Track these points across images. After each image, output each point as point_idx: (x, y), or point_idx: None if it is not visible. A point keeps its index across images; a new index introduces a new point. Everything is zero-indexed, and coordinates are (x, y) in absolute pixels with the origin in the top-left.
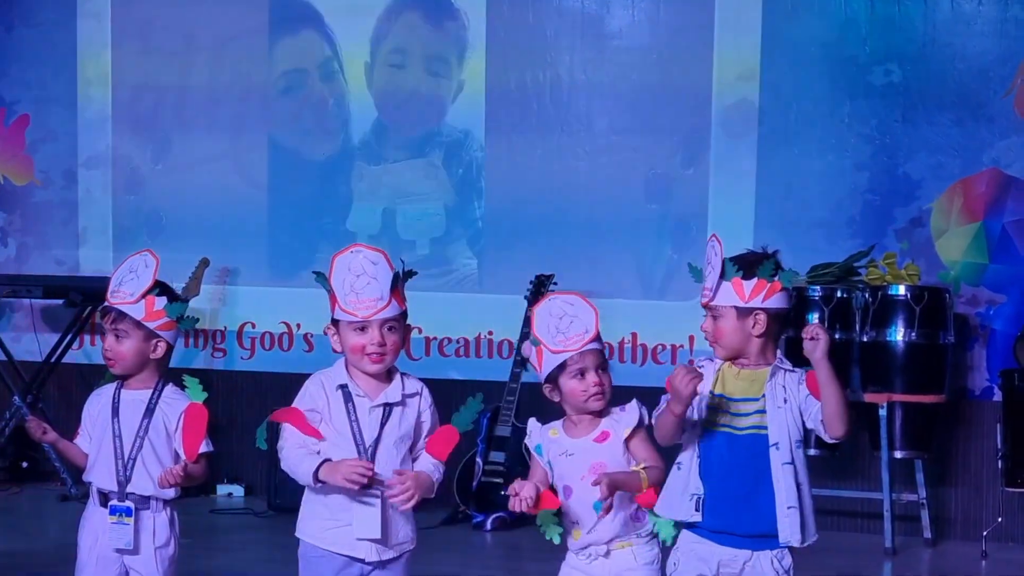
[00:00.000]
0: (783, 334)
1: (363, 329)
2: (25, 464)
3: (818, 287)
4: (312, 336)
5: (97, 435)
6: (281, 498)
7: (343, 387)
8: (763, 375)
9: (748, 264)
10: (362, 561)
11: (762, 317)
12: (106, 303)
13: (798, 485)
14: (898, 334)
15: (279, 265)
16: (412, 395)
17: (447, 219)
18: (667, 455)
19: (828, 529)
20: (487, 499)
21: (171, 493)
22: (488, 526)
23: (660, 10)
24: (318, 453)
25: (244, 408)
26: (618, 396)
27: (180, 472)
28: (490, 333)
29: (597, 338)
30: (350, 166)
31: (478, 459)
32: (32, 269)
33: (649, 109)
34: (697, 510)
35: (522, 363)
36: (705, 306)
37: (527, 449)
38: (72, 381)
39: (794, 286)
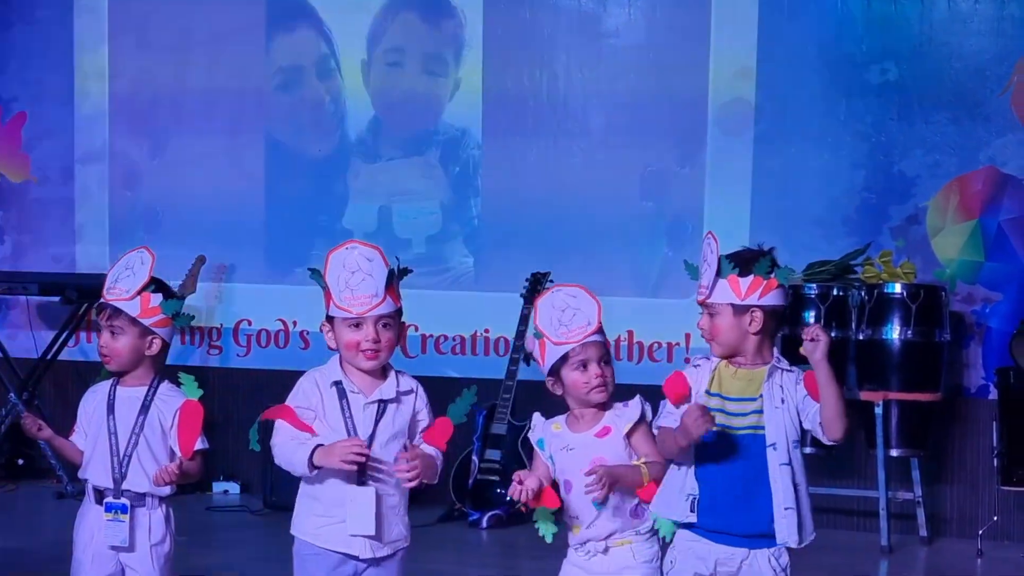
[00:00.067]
0: (779, 332)
1: (358, 326)
2: (21, 461)
3: (814, 285)
4: (308, 333)
5: (93, 432)
6: (277, 495)
7: (337, 384)
8: (760, 375)
9: (744, 261)
10: (356, 558)
11: (759, 314)
12: (102, 300)
13: (795, 485)
14: (894, 332)
15: (275, 262)
16: (407, 392)
17: (443, 217)
18: None
19: (824, 527)
20: (483, 497)
21: (167, 490)
22: (484, 524)
23: (656, 9)
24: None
25: (240, 405)
26: (615, 394)
27: (175, 470)
28: (486, 331)
29: (599, 331)
30: (347, 164)
31: (474, 457)
32: (28, 266)
33: (645, 107)
34: (692, 511)
35: (518, 361)
36: (701, 304)
37: (523, 445)
38: (68, 378)
39: (790, 284)
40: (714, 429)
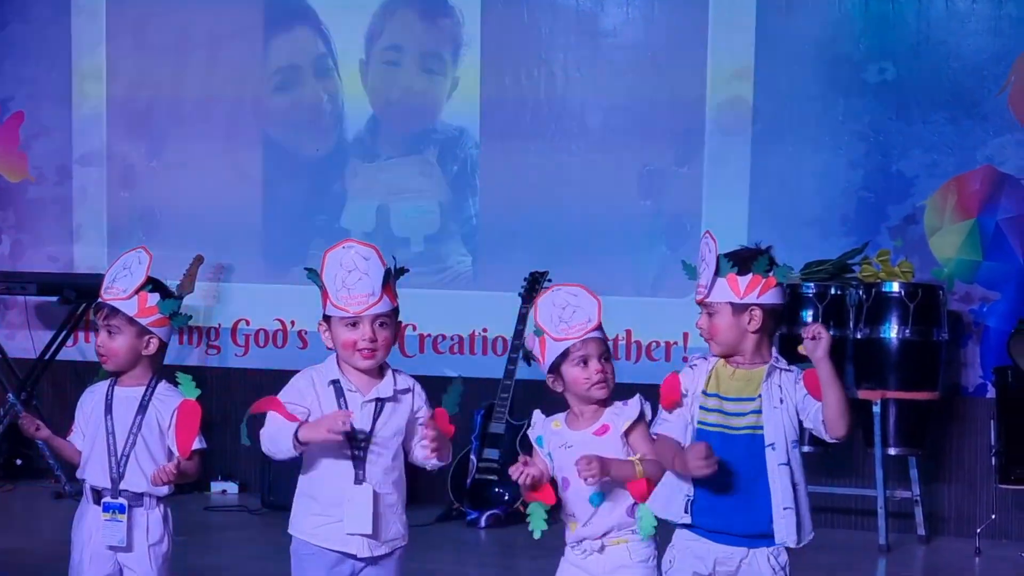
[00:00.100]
0: (778, 331)
1: (354, 325)
2: (19, 461)
3: (812, 284)
4: (306, 333)
5: (90, 432)
6: (275, 495)
7: (335, 382)
8: (759, 375)
9: (743, 260)
10: (354, 557)
11: (757, 313)
12: (99, 299)
13: (794, 485)
14: (892, 331)
15: (273, 262)
16: (404, 391)
17: (441, 216)
18: None
19: (822, 526)
20: (481, 496)
21: (164, 490)
22: (482, 523)
23: (654, 8)
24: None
25: (238, 405)
26: (614, 394)
27: (173, 470)
28: (484, 330)
29: (600, 328)
30: (344, 163)
31: (472, 456)
32: (26, 266)
33: (643, 107)
34: (686, 512)
35: (516, 360)
36: (700, 303)
37: (521, 444)
38: (66, 378)
39: (788, 283)
40: (713, 470)
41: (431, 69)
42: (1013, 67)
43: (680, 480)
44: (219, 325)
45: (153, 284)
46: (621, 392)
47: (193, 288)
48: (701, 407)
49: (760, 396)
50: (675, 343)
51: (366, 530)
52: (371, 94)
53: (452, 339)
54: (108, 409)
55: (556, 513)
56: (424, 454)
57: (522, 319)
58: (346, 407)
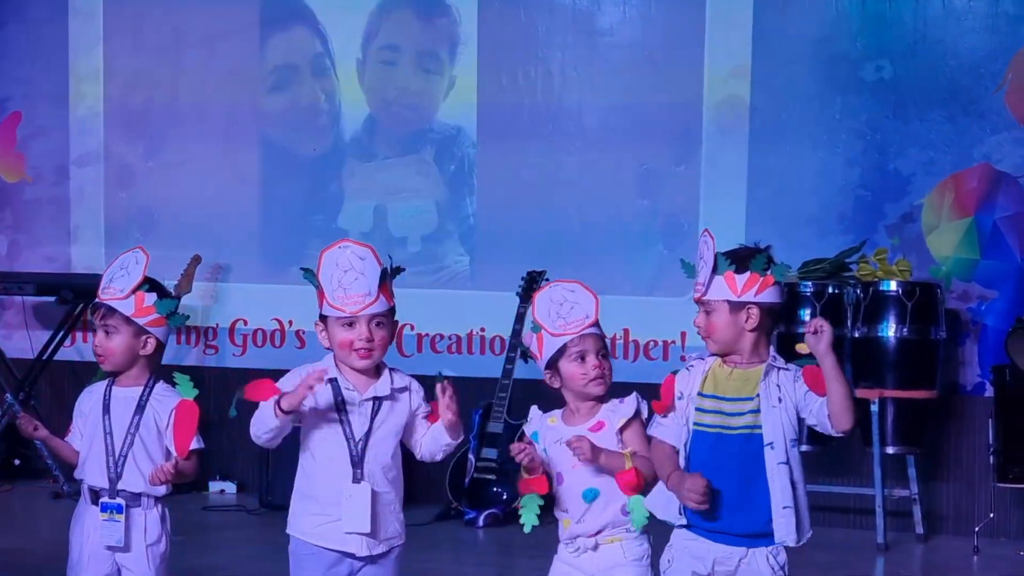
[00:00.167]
0: (776, 330)
1: (351, 325)
2: (17, 462)
3: (809, 283)
4: (304, 333)
5: (88, 432)
6: (273, 495)
7: (332, 381)
8: (756, 374)
9: (741, 258)
10: (352, 556)
11: (755, 311)
12: (97, 299)
13: (793, 484)
14: (889, 330)
15: (271, 262)
16: (401, 390)
17: (439, 216)
18: None
19: (820, 525)
20: (479, 495)
21: (162, 490)
22: (480, 523)
23: (651, 7)
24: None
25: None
26: (612, 392)
27: (171, 469)
28: (482, 330)
29: (597, 324)
30: (342, 163)
31: (470, 455)
32: (24, 266)
33: (640, 106)
34: (681, 513)
35: (514, 359)
36: (697, 301)
37: (521, 436)
38: (64, 378)
39: (786, 281)
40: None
41: (428, 69)
42: (1010, 65)
43: None
44: (217, 325)
45: (150, 284)
46: (618, 391)
47: (191, 288)
48: (698, 408)
49: (758, 395)
50: (673, 342)
51: (364, 529)
52: (368, 94)
53: (450, 339)
54: (106, 409)
55: (550, 512)
56: (444, 423)
57: (520, 318)
58: (344, 406)
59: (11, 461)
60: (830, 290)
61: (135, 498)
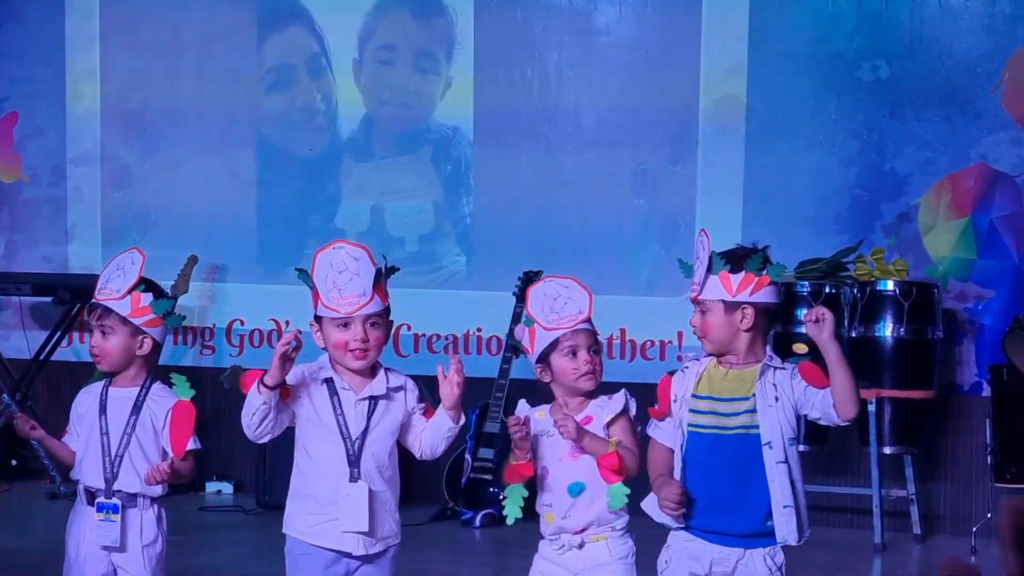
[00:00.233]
0: (772, 330)
1: (346, 325)
2: (14, 462)
3: (806, 283)
4: (301, 333)
5: (85, 433)
6: (270, 495)
7: (328, 381)
8: (752, 374)
9: (736, 258)
10: (349, 555)
11: (749, 311)
12: (93, 300)
13: (792, 483)
14: (887, 329)
15: (268, 262)
16: (397, 389)
17: (436, 216)
18: None
19: (817, 525)
20: (476, 495)
21: (158, 490)
22: (477, 522)
23: (647, 6)
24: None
25: (233, 405)
26: (602, 389)
27: (167, 469)
28: (479, 330)
29: (589, 320)
30: (339, 163)
31: (467, 455)
32: (20, 266)
33: (637, 105)
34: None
35: (511, 359)
36: (693, 301)
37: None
38: (61, 379)
39: (783, 281)
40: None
41: (425, 68)
42: (1007, 64)
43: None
44: (214, 325)
45: (146, 284)
46: (615, 391)
47: (187, 288)
48: (692, 410)
49: (754, 395)
50: (669, 342)
51: (362, 527)
52: (365, 94)
53: (446, 338)
54: (102, 409)
55: (533, 509)
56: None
57: (516, 318)
58: (340, 406)
59: (8, 461)
60: (827, 290)
61: (131, 498)
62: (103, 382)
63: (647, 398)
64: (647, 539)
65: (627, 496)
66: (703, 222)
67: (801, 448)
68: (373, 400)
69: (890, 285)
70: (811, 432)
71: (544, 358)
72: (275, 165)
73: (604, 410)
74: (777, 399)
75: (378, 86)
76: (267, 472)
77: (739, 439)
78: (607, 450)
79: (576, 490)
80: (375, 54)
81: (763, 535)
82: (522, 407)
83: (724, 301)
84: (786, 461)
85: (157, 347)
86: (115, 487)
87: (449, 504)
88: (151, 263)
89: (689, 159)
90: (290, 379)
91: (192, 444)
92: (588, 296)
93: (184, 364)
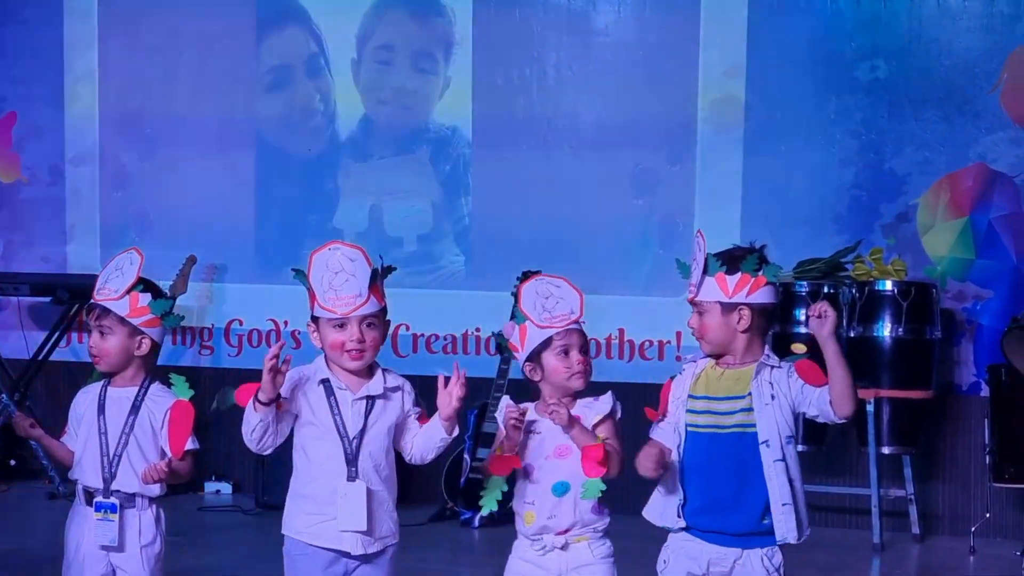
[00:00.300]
0: (770, 330)
1: (342, 326)
2: (13, 462)
3: (805, 283)
4: (299, 333)
5: (83, 433)
6: (269, 495)
7: (325, 381)
8: (748, 373)
9: (733, 259)
10: (347, 555)
11: (746, 312)
12: (92, 300)
13: (790, 481)
14: (885, 330)
15: (266, 262)
16: (394, 389)
17: (434, 216)
18: None
19: (816, 525)
20: (475, 496)
21: (156, 490)
22: (475, 523)
23: (646, 6)
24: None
25: (232, 406)
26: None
27: (164, 468)
28: (477, 330)
29: (579, 321)
30: (337, 163)
31: (466, 456)
32: (19, 266)
33: (635, 105)
34: (679, 516)
35: (509, 360)
36: (690, 302)
37: (495, 422)
38: (60, 379)
39: (781, 282)
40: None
41: (423, 68)
42: (1005, 64)
43: (671, 486)
44: (212, 325)
45: (145, 284)
46: (615, 392)
47: (186, 288)
48: (689, 410)
49: (750, 394)
50: (668, 342)
51: (360, 526)
52: (363, 94)
53: (445, 339)
54: (101, 409)
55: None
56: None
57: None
58: (337, 406)
59: (7, 462)
60: (825, 290)
61: (129, 498)
62: (102, 382)
63: (645, 398)
64: (647, 540)
65: (601, 491)
66: (702, 222)
67: (800, 448)
68: (370, 400)
69: (888, 285)
70: (809, 432)
71: (535, 356)
72: (274, 165)
73: (591, 411)
74: (774, 397)
75: (377, 86)
76: (266, 472)
77: (736, 438)
78: (594, 442)
79: (561, 490)
80: (374, 54)
81: (760, 534)
82: (504, 402)
83: (721, 302)
84: (783, 459)
85: (156, 347)
86: (113, 487)
87: (448, 504)
88: (150, 263)
89: (688, 159)
90: (285, 388)
91: (191, 444)
92: (579, 296)
93: (183, 364)
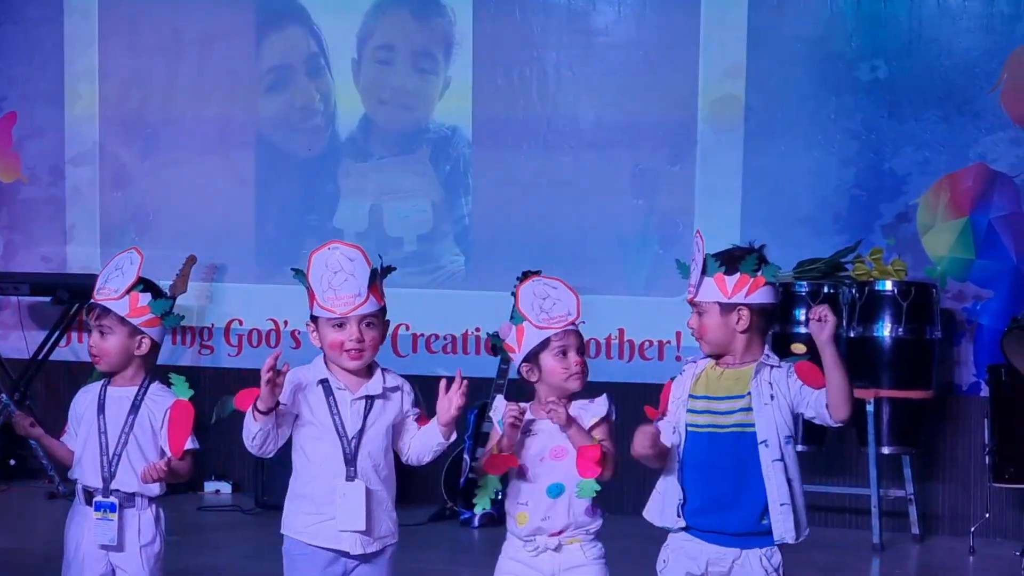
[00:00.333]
0: (770, 330)
1: (341, 326)
2: (13, 462)
3: (805, 283)
4: (299, 333)
5: (83, 432)
6: (269, 495)
7: (323, 382)
8: (748, 372)
9: (731, 259)
10: (346, 555)
11: (745, 313)
12: (91, 300)
13: (789, 481)
14: (885, 330)
15: (266, 262)
16: (393, 389)
17: (434, 216)
18: None
19: (816, 525)
20: (474, 495)
21: (156, 489)
22: (475, 523)
23: (646, 7)
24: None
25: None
26: (607, 392)
27: (163, 467)
28: (477, 330)
29: (575, 322)
30: (337, 163)
31: (465, 455)
32: (19, 266)
33: (635, 105)
34: (679, 515)
35: (509, 360)
36: (690, 303)
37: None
38: (60, 378)
39: (781, 282)
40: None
41: (423, 68)
42: (1005, 64)
43: (671, 486)
44: (212, 325)
45: (145, 284)
46: (614, 391)
47: (186, 288)
48: (689, 410)
49: (749, 393)
50: (668, 342)
51: (359, 526)
52: (363, 94)
53: (445, 339)
54: (100, 408)
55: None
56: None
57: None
58: (336, 406)
59: (7, 461)
60: (825, 290)
61: (129, 498)
62: (102, 382)
63: (645, 398)
64: (647, 540)
65: (596, 492)
66: (702, 222)
67: (799, 448)
68: (369, 400)
69: (888, 285)
70: (809, 432)
71: (532, 357)
72: (274, 165)
73: (587, 413)
74: (773, 397)
75: (377, 86)
76: (266, 472)
77: (735, 437)
78: (591, 442)
79: (556, 491)
80: (374, 54)
81: (759, 534)
82: (498, 402)
83: (720, 303)
84: (782, 459)
85: (155, 347)
86: (113, 486)
87: (448, 504)
88: (149, 263)
89: (688, 159)
90: (284, 394)
91: (190, 444)
92: (576, 298)
93: (183, 364)
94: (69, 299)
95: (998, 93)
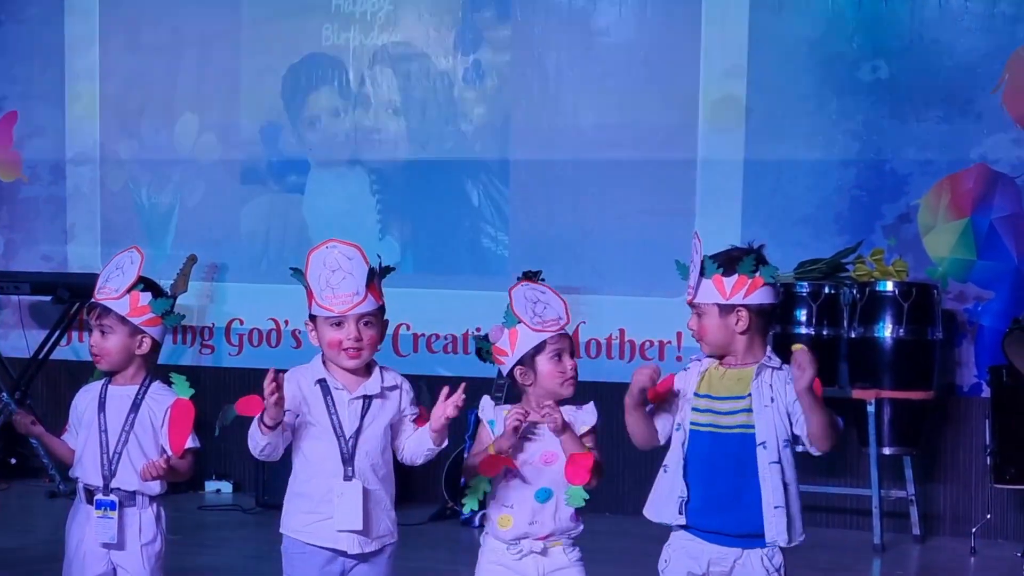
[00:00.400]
0: (771, 330)
1: (339, 324)
2: (14, 461)
3: (806, 283)
4: (300, 332)
5: (83, 431)
6: (269, 494)
7: (321, 381)
8: (749, 374)
9: (729, 261)
10: (344, 554)
11: (744, 314)
12: (92, 299)
13: (785, 484)
14: (886, 330)
15: (266, 262)
16: (392, 388)
17: None
18: (654, 457)
19: (817, 525)
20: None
21: (156, 488)
22: (476, 522)
23: (647, 6)
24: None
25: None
26: (607, 392)
27: (163, 465)
28: (478, 329)
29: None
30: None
31: (465, 455)
32: (20, 265)
33: (636, 105)
34: (680, 512)
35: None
36: (689, 304)
37: (477, 422)
38: (60, 377)
39: (782, 282)
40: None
41: (425, 68)
42: (1007, 65)
43: (672, 483)
44: (213, 324)
45: (145, 283)
46: (613, 392)
47: (187, 287)
48: (693, 408)
49: (750, 395)
50: (668, 342)
51: (356, 526)
52: (362, 94)
53: (445, 338)
54: (101, 407)
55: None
56: (433, 426)
57: None
58: (334, 405)
59: (7, 460)
60: (826, 290)
61: (130, 497)
62: (102, 381)
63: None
64: (647, 539)
65: (584, 500)
66: (702, 222)
67: (800, 448)
68: (367, 399)
69: (889, 286)
70: None
71: (527, 360)
72: (274, 165)
73: (576, 420)
74: (772, 400)
75: (380, 87)
76: (266, 472)
77: (738, 438)
78: (583, 449)
79: (544, 496)
80: (378, 55)
81: (760, 535)
82: (485, 403)
83: (719, 304)
84: (779, 462)
85: (156, 346)
86: (113, 484)
87: (448, 504)
88: (150, 263)
89: (688, 159)
90: (288, 403)
91: (191, 443)
92: (563, 304)
93: (183, 363)
94: (70, 298)
95: (1000, 94)
